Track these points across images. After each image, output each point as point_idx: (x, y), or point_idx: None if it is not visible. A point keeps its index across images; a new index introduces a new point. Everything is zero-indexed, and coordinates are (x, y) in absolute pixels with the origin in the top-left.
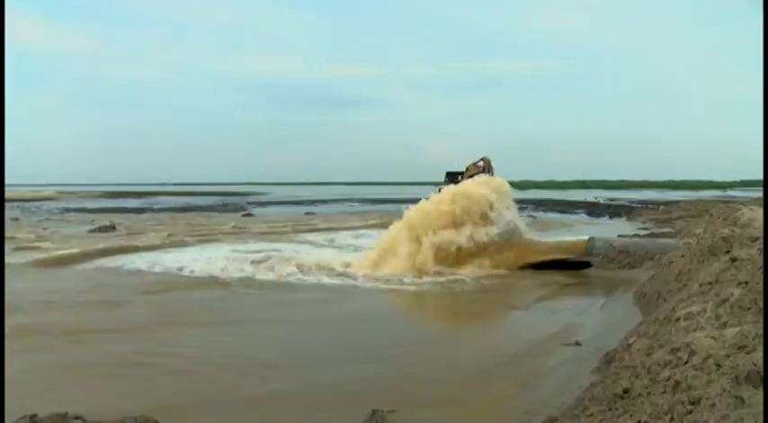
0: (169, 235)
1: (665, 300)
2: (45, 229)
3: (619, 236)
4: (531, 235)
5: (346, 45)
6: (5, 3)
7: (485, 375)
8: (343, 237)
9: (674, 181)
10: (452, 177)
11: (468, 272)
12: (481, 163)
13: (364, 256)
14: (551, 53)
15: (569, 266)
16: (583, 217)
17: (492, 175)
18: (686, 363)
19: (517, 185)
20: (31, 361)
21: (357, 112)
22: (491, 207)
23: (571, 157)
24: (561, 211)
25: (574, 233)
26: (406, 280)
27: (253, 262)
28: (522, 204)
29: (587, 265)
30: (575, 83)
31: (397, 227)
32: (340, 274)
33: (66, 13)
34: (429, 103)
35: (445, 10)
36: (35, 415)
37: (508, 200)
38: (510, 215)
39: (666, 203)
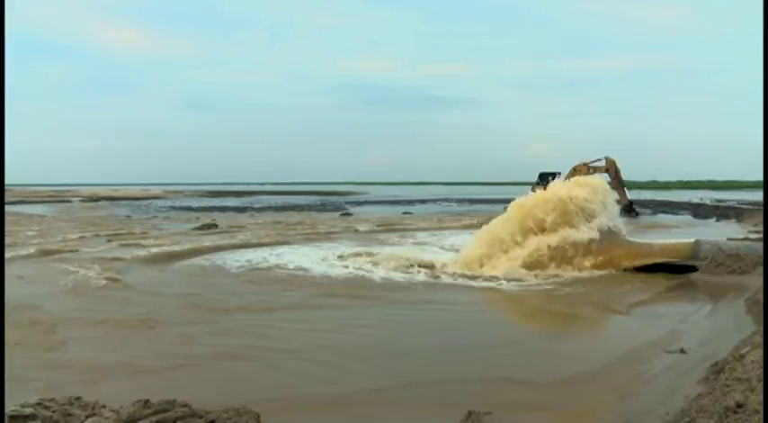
0: (268, 233)
1: None
2: (153, 226)
3: (728, 239)
4: (633, 236)
5: (443, 45)
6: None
7: (583, 380)
8: (440, 236)
9: None
10: (544, 178)
11: (566, 274)
12: (602, 162)
13: (460, 256)
14: (651, 49)
15: (673, 270)
16: (687, 218)
17: (619, 177)
18: None
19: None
20: (144, 351)
21: (455, 112)
22: (590, 208)
23: (674, 156)
24: (664, 213)
25: (678, 235)
26: (502, 281)
27: (351, 260)
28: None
29: (693, 269)
30: (676, 79)
31: (493, 227)
32: (437, 274)
33: (172, 23)
34: (527, 102)
35: (542, 8)
36: (148, 400)
37: (608, 200)
38: (610, 216)
39: None
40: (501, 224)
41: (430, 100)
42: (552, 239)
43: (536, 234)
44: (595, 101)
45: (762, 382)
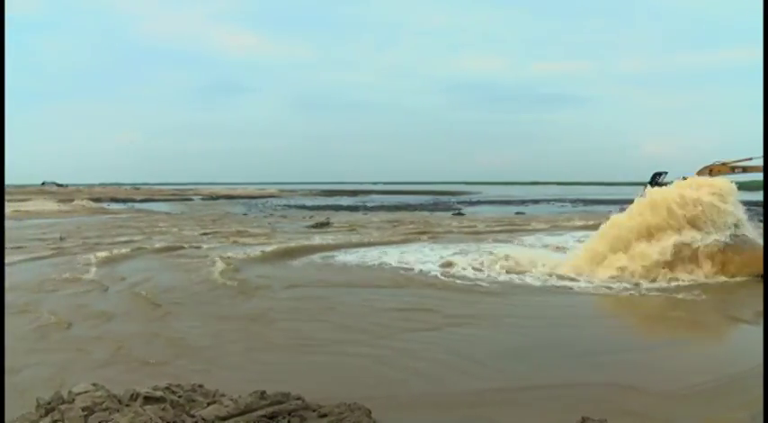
0: (383, 232)
1: None
2: (269, 224)
3: None
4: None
5: (554, 43)
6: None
7: (707, 393)
8: (554, 238)
9: None
10: (653, 178)
11: (688, 278)
12: (755, 162)
13: (576, 259)
14: None
15: None
16: None
17: None
18: None
19: (746, 187)
20: (261, 344)
21: (566, 110)
22: (717, 211)
23: None
24: None
25: None
26: (621, 285)
27: (465, 261)
28: (753, 207)
29: None
30: None
31: (611, 229)
32: (552, 276)
33: (284, 27)
34: (640, 99)
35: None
36: (264, 391)
37: (734, 203)
38: (736, 219)
39: None
40: (620, 225)
41: (542, 98)
42: (675, 242)
43: (658, 236)
44: (713, 96)
45: None
